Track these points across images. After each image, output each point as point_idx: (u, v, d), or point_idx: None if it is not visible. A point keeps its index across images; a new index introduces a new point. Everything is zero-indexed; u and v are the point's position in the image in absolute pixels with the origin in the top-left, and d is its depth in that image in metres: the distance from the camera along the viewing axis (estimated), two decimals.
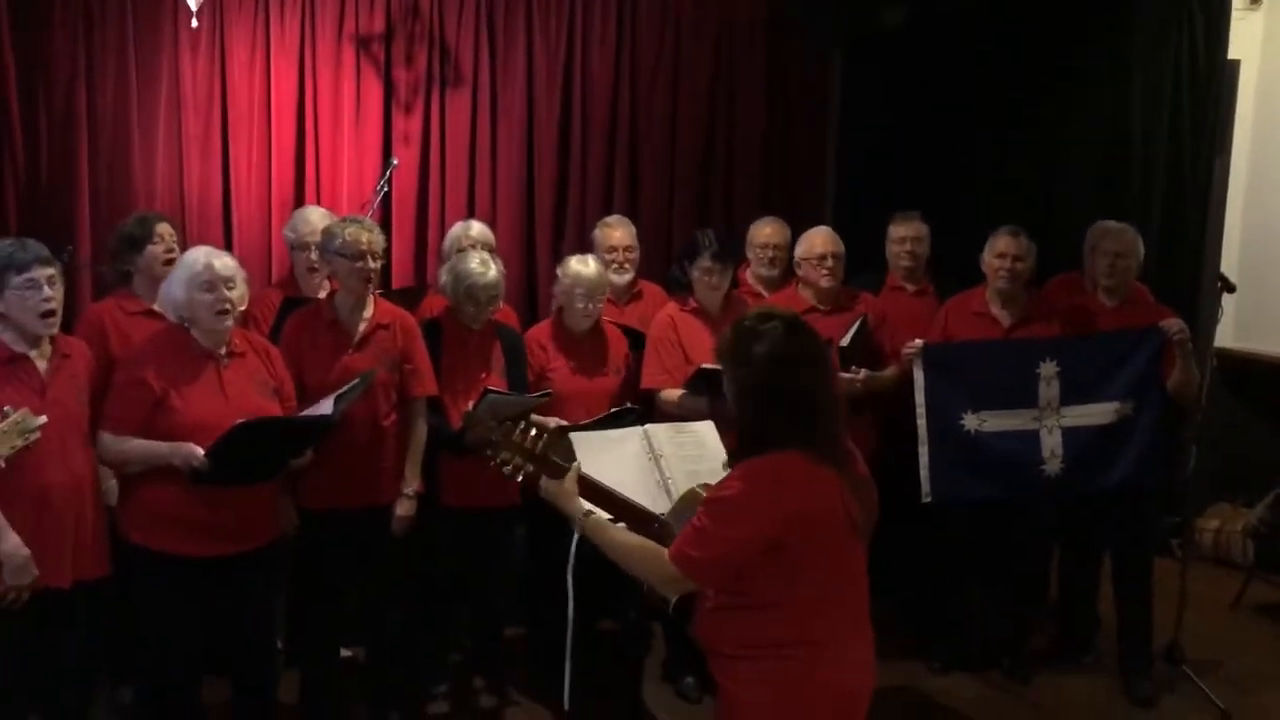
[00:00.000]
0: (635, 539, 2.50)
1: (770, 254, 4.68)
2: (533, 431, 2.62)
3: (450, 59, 5.54)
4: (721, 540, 2.30)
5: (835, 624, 2.39)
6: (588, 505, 2.59)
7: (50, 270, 3.04)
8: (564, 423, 3.85)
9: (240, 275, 3.36)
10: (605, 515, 2.61)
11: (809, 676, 2.35)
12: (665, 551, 2.39)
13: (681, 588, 2.42)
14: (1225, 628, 5.00)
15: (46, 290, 3.02)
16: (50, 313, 3.04)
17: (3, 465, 2.73)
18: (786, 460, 2.31)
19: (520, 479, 2.62)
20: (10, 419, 2.72)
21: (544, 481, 2.60)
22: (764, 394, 2.36)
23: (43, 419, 2.79)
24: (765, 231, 4.72)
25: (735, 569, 2.33)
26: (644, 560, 2.43)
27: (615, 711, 4.09)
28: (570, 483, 2.58)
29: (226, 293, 3.28)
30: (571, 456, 3.16)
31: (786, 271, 4.70)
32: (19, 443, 2.73)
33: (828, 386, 2.42)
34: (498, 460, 2.59)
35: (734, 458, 2.45)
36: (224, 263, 3.31)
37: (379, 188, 5.19)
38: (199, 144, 5.23)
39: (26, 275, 2.99)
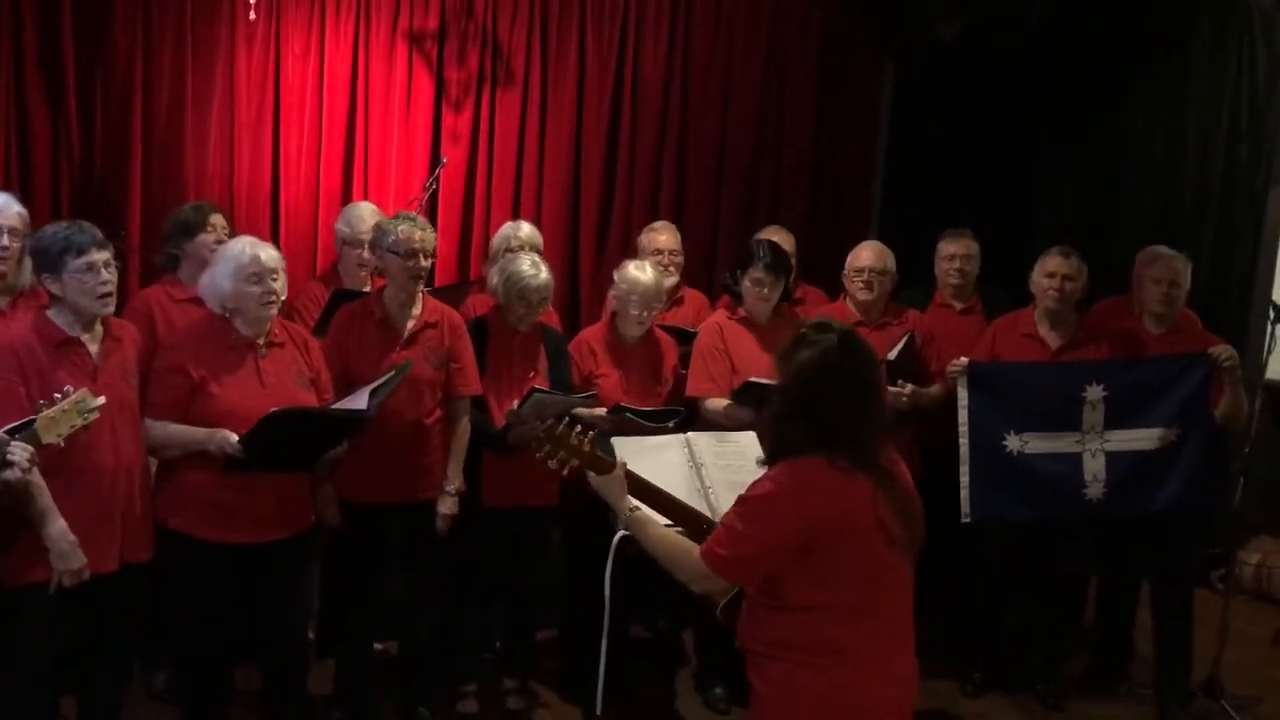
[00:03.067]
0: (674, 536, 2.57)
1: None
2: (577, 427, 2.70)
3: (502, 59, 5.56)
4: (748, 539, 2.35)
5: (869, 636, 2.39)
6: (635, 501, 2.66)
7: (106, 254, 3.06)
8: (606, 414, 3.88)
9: (282, 265, 3.41)
10: (653, 513, 2.68)
11: (839, 686, 2.36)
12: (697, 549, 2.45)
13: (712, 585, 2.48)
14: (1266, 663, 4.92)
15: (104, 274, 3.03)
16: (108, 294, 3.06)
17: (61, 444, 2.73)
18: (815, 465, 2.34)
19: (566, 473, 2.70)
20: (70, 398, 2.72)
21: (593, 477, 2.68)
22: (797, 399, 2.41)
23: (101, 399, 2.80)
24: (775, 239, 4.70)
25: (763, 569, 2.38)
26: (679, 557, 2.50)
27: (645, 718, 4.08)
28: (618, 478, 2.65)
29: (272, 284, 3.32)
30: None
31: (798, 278, 4.81)
32: (78, 422, 2.74)
33: (869, 406, 2.41)
34: (543, 454, 2.67)
35: (766, 455, 2.50)
36: (269, 254, 3.36)
37: (428, 185, 5.22)
38: (250, 134, 5.28)
39: (85, 259, 3.00)
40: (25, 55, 4.86)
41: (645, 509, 2.66)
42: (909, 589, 2.47)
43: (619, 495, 2.64)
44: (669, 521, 2.68)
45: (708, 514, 2.97)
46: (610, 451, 3.26)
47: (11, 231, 3.39)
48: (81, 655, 3.23)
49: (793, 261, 4.77)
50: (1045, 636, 4.50)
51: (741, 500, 2.42)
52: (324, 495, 3.63)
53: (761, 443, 3.12)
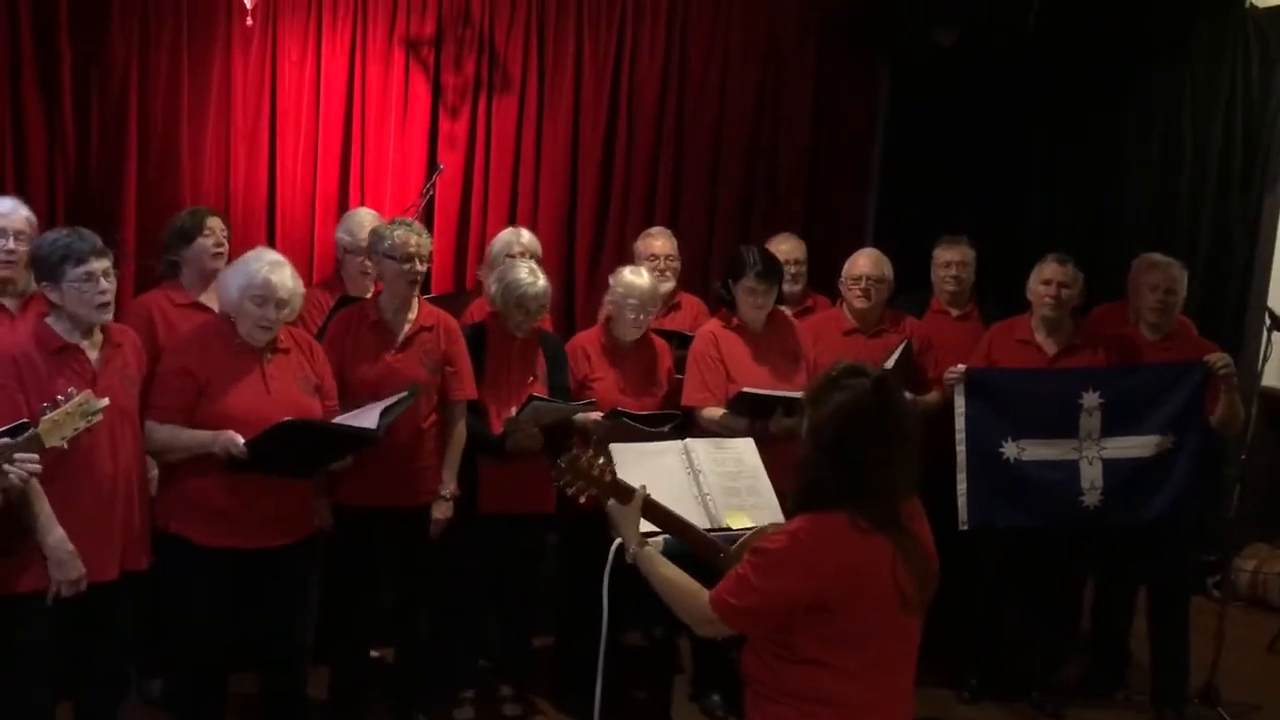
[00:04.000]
0: (682, 576, 2.52)
1: (791, 270, 4.68)
2: (601, 459, 2.68)
3: (499, 65, 5.55)
4: (759, 592, 2.31)
5: (874, 692, 2.36)
6: (646, 528, 2.62)
7: (106, 262, 3.04)
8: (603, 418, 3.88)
9: (299, 294, 3.37)
10: (664, 537, 2.66)
11: None
12: (706, 594, 2.41)
13: (717, 630, 2.44)
14: (1262, 670, 4.93)
15: (103, 283, 3.02)
16: (106, 303, 3.04)
17: (65, 447, 2.72)
18: (835, 524, 2.29)
19: (585, 501, 2.67)
20: (74, 400, 2.70)
21: (611, 505, 2.64)
22: (828, 443, 2.33)
23: (105, 401, 2.78)
24: (783, 248, 4.72)
25: (772, 621, 2.34)
26: (685, 599, 2.46)
27: None
28: (635, 509, 2.61)
29: (275, 313, 3.29)
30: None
31: (808, 286, 4.84)
32: (82, 425, 2.72)
33: (897, 456, 2.34)
34: (562, 483, 2.64)
35: (791, 501, 2.44)
36: (283, 282, 3.29)
37: (424, 191, 5.22)
38: (247, 140, 5.26)
39: (84, 268, 2.98)
40: (22, 60, 4.84)
41: (657, 536, 2.62)
42: (915, 643, 2.44)
43: (632, 527, 2.59)
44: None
45: (706, 522, 2.97)
46: (608, 457, 3.26)
47: (19, 235, 3.39)
48: (78, 662, 3.21)
49: (804, 269, 4.80)
50: (1041, 643, 4.50)
51: (756, 550, 2.37)
52: (317, 504, 3.61)
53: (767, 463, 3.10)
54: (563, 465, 2.65)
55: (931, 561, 2.42)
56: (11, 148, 4.88)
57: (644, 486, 2.65)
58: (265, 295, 3.27)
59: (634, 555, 2.56)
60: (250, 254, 3.41)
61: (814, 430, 2.37)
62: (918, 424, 2.45)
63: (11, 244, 3.36)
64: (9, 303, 3.39)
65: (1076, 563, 4.50)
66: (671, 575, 2.50)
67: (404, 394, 3.48)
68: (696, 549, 2.66)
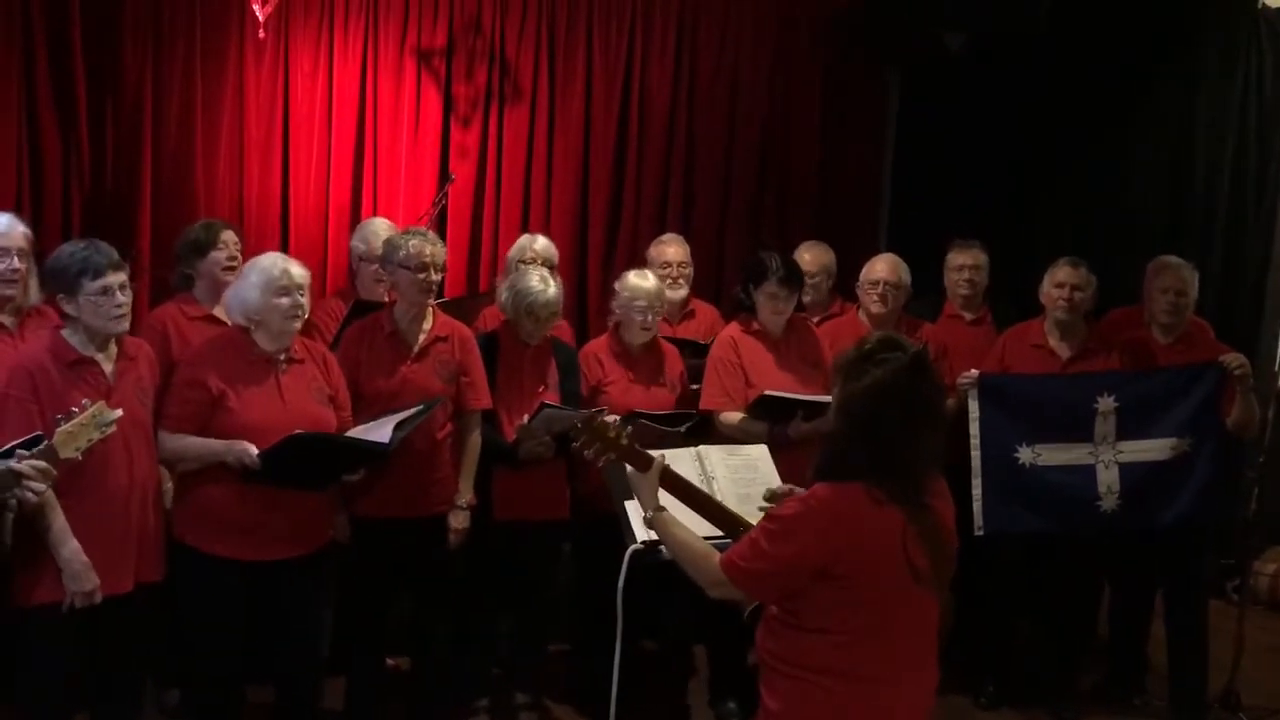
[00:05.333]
0: (697, 540, 2.55)
1: (816, 279, 4.66)
2: (616, 420, 2.73)
3: (510, 75, 5.58)
4: (768, 557, 2.33)
5: (882, 665, 2.35)
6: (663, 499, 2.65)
7: (122, 275, 3.06)
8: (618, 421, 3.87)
9: (308, 282, 3.43)
10: (685, 509, 2.67)
11: (846, 710, 2.34)
12: (718, 556, 2.43)
13: (728, 593, 2.47)
14: None
15: (120, 296, 3.04)
16: (122, 316, 3.06)
17: (80, 458, 2.73)
18: (849, 493, 2.29)
19: (601, 464, 2.69)
20: (88, 411, 2.72)
21: (630, 471, 2.66)
22: (860, 419, 2.32)
23: (118, 412, 2.80)
24: (805, 257, 4.69)
25: (780, 587, 2.36)
26: (698, 561, 2.49)
27: None
28: (653, 477, 2.64)
29: (300, 298, 3.35)
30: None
31: (831, 294, 4.80)
32: (96, 435, 2.74)
33: (926, 436, 2.33)
34: (580, 444, 2.67)
35: (812, 470, 2.43)
36: (298, 270, 3.39)
37: (436, 201, 5.24)
38: (260, 152, 5.30)
39: (101, 281, 3.00)
40: (36, 75, 4.89)
41: (673, 509, 2.64)
42: (931, 620, 2.42)
43: (649, 493, 2.62)
44: (711, 528, 2.66)
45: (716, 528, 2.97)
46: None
47: (20, 253, 3.40)
48: (94, 673, 3.22)
49: (826, 279, 4.77)
50: (1058, 649, 4.47)
51: (770, 516, 2.39)
52: (337, 515, 3.63)
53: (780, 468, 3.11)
54: (580, 425, 2.67)
55: (950, 539, 2.41)
56: (28, 161, 4.92)
57: (663, 455, 2.67)
58: (288, 284, 3.33)
59: (651, 520, 2.60)
60: (249, 263, 3.47)
61: (845, 404, 2.35)
62: (946, 400, 2.44)
63: (16, 263, 3.37)
64: (7, 320, 3.40)
65: (1092, 567, 4.47)
66: (686, 538, 2.54)
67: (420, 407, 3.49)
68: (716, 522, 2.68)
